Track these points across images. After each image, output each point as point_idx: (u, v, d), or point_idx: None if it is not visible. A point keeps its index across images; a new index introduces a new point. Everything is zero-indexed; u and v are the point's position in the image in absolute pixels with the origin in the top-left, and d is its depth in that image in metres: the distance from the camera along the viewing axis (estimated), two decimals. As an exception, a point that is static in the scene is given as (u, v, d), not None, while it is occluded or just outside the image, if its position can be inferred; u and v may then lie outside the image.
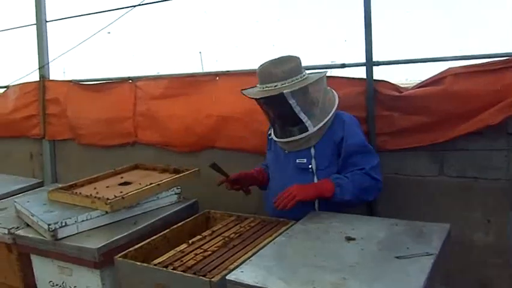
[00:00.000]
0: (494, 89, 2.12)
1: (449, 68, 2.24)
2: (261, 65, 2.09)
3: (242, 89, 2.16)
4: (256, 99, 2.09)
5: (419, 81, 2.43)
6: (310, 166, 2.09)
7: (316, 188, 2.01)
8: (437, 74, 2.28)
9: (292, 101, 1.98)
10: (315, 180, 2.08)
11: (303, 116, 2.02)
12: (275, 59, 2.08)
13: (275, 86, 2.00)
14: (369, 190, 2.02)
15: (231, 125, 2.94)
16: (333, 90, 2.19)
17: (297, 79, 2.01)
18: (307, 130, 2.04)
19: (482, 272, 2.36)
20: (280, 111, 2.06)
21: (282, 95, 1.96)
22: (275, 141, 2.23)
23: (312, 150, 2.10)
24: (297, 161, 2.13)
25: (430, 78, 2.32)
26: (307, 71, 2.16)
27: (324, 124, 2.06)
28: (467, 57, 2.25)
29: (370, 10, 2.42)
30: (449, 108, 2.23)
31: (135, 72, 3.50)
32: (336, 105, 2.11)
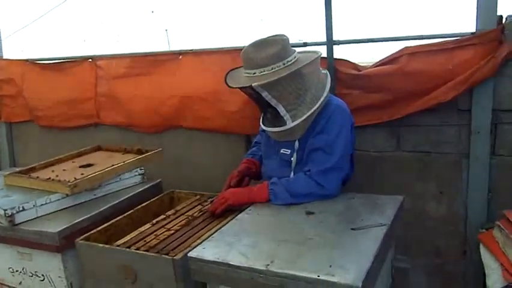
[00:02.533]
0: (446, 68, 2.20)
1: (405, 47, 2.30)
2: (245, 47, 1.91)
3: (228, 71, 2.01)
4: (229, 86, 1.94)
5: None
6: (292, 159, 1.98)
7: (250, 195, 1.91)
8: (394, 53, 2.34)
9: (265, 94, 1.81)
10: (292, 174, 1.96)
11: (281, 109, 1.85)
12: (258, 41, 1.89)
13: (253, 73, 1.84)
14: (311, 196, 1.87)
15: (195, 105, 2.91)
16: (328, 75, 2.03)
17: (278, 66, 1.82)
18: (286, 124, 1.89)
19: (436, 241, 2.51)
20: (257, 100, 1.93)
21: (252, 86, 1.81)
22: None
23: (297, 143, 1.97)
24: (282, 151, 2.02)
25: (387, 57, 2.38)
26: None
27: (307, 118, 1.89)
28: (423, 37, 2.31)
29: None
30: (404, 86, 2.30)
31: (98, 51, 3.40)
32: (324, 96, 1.92)
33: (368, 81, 2.41)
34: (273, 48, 1.84)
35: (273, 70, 1.82)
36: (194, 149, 3.06)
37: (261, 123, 2.07)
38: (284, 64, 1.84)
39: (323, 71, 2.04)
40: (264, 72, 1.82)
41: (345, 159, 1.94)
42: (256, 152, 2.30)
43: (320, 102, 1.91)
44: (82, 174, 2.17)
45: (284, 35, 1.94)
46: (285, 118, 1.88)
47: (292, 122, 1.88)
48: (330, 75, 2.45)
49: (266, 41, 1.89)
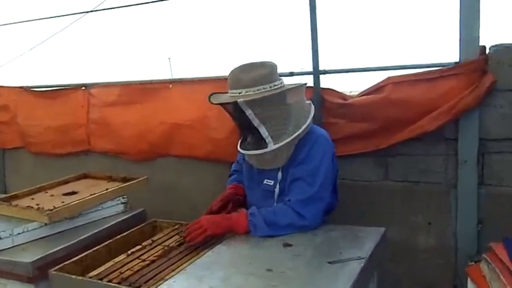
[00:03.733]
0: (430, 97, 2.20)
1: (389, 77, 2.31)
2: (233, 69, 1.91)
3: (213, 92, 1.98)
4: (211, 103, 1.93)
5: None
6: (275, 189, 1.96)
7: (229, 224, 1.84)
8: (379, 83, 2.36)
9: (249, 112, 1.79)
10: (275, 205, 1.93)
11: (263, 131, 1.83)
12: (247, 64, 1.89)
13: (239, 93, 1.82)
14: (290, 227, 1.81)
15: (184, 132, 2.95)
16: (312, 106, 2.01)
17: (265, 88, 1.81)
18: (267, 147, 1.86)
19: (426, 273, 2.44)
20: (241, 121, 1.89)
21: (237, 103, 1.79)
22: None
23: (280, 174, 1.95)
24: (265, 181, 2.00)
25: (372, 86, 2.39)
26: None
27: (288, 143, 1.87)
28: (407, 67, 2.32)
29: (316, 21, 2.46)
30: (390, 116, 2.30)
31: (100, 79, 3.46)
32: (307, 124, 1.91)
33: (354, 111, 2.41)
34: (261, 70, 1.85)
35: (258, 91, 1.81)
36: (182, 177, 3.06)
37: (239, 148, 2.02)
38: (270, 87, 1.84)
39: (307, 101, 2.04)
40: (250, 93, 1.81)
41: (326, 189, 1.91)
42: (240, 179, 2.23)
43: (302, 129, 1.90)
44: (63, 202, 2.15)
45: (272, 62, 1.95)
46: (266, 140, 1.85)
47: (274, 144, 1.85)
48: (316, 104, 2.47)
49: (254, 64, 1.90)
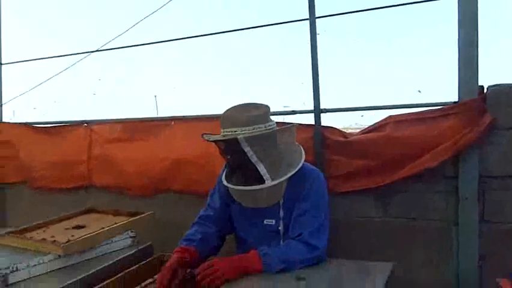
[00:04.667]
0: (432, 135, 2.27)
1: (390, 116, 2.40)
2: (227, 109, 1.93)
3: (204, 133, 1.99)
4: (209, 141, 1.92)
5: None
6: (279, 228, 1.99)
7: (244, 268, 1.83)
8: (380, 121, 2.44)
9: (247, 149, 1.81)
10: (281, 243, 1.98)
11: (261, 168, 1.84)
12: (241, 105, 1.93)
13: (235, 131, 1.82)
14: (305, 261, 1.88)
15: (186, 168, 2.98)
16: (301, 147, 2.08)
17: (259, 128, 1.84)
18: (264, 182, 1.86)
19: (428, 311, 2.45)
20: (237, 159, 1.87)
21: (236, 140, 1.79)
22: (228, 187, 1.98)
23: (281, 212, 1.99)
24: (265, 222, 2.02)
25: (373, 124, 2.48)
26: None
27: (284, 181, 1.92)
28: (407, 106, 2.41)
29: (317, 61, 2.57)
30: (391, 153, 2.36)
31: (91, 116, 3.51)
32: (301, 163, 1.96)
33: (355, 148, 2.48)
34: (256, 111, 1.88)
35: (254, 130, 1.83)
36: (182, 212, 3.05)
37: (230, 185, 1.95)
38: (265, 127, 1.87)
39: (295, 143, 2.11)
40: (246, 131, 1.82)
41: (327, 219, 2.00)
42: (194, 237, 2.10)
43: (298, 167, 1.94)
44: (73, 236, 2.16)
45: (265, 104, 1.99)
46: (264, 177, 1.85)
47: (272, 181, 1.85)
48: (318, 142, 2.54)
49: (249, 105, 1.94)
